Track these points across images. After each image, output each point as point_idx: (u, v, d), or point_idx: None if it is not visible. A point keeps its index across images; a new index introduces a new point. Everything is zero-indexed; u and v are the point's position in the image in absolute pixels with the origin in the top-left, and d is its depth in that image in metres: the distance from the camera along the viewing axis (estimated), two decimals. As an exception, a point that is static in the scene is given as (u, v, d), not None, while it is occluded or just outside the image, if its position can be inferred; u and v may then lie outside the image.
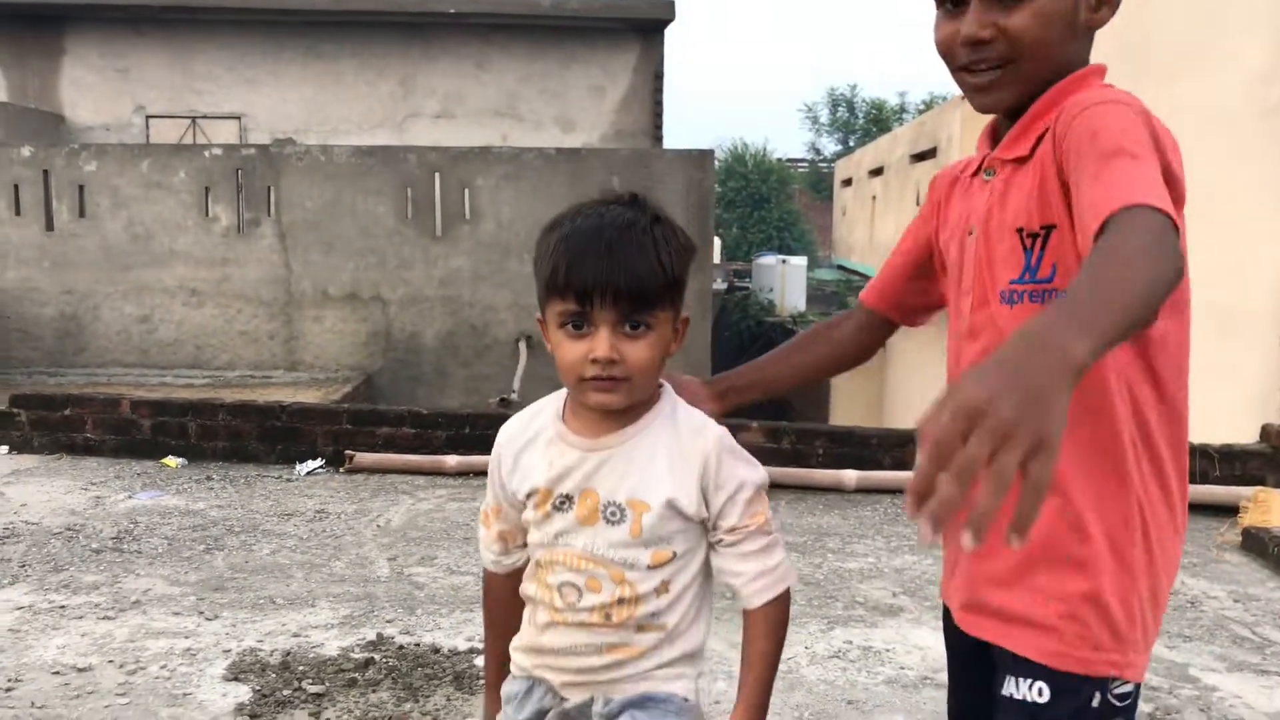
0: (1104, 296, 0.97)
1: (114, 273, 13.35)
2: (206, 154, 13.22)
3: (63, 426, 6.52)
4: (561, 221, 1.46)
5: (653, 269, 1.40)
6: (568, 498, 1.51)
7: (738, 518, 1.51)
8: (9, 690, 3.19)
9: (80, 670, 3.35)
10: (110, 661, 3.41)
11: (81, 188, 13.24)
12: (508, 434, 1.61)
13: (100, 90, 16.84)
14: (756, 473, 1.53)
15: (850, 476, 5.88)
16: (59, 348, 13.44)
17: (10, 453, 6.44)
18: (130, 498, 5.55)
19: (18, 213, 13.24)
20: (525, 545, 1.61)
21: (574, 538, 1.51)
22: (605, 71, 17.33)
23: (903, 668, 3.54)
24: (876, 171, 13.33)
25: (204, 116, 16.89)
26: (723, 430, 1.53)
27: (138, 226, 13.23)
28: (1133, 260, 1.02)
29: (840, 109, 35.72)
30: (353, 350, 12.84)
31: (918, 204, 10.74)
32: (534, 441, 1.56)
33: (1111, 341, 0.96)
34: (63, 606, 3.92)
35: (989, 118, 1.46)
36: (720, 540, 1.53)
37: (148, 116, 17.00)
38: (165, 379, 13.09)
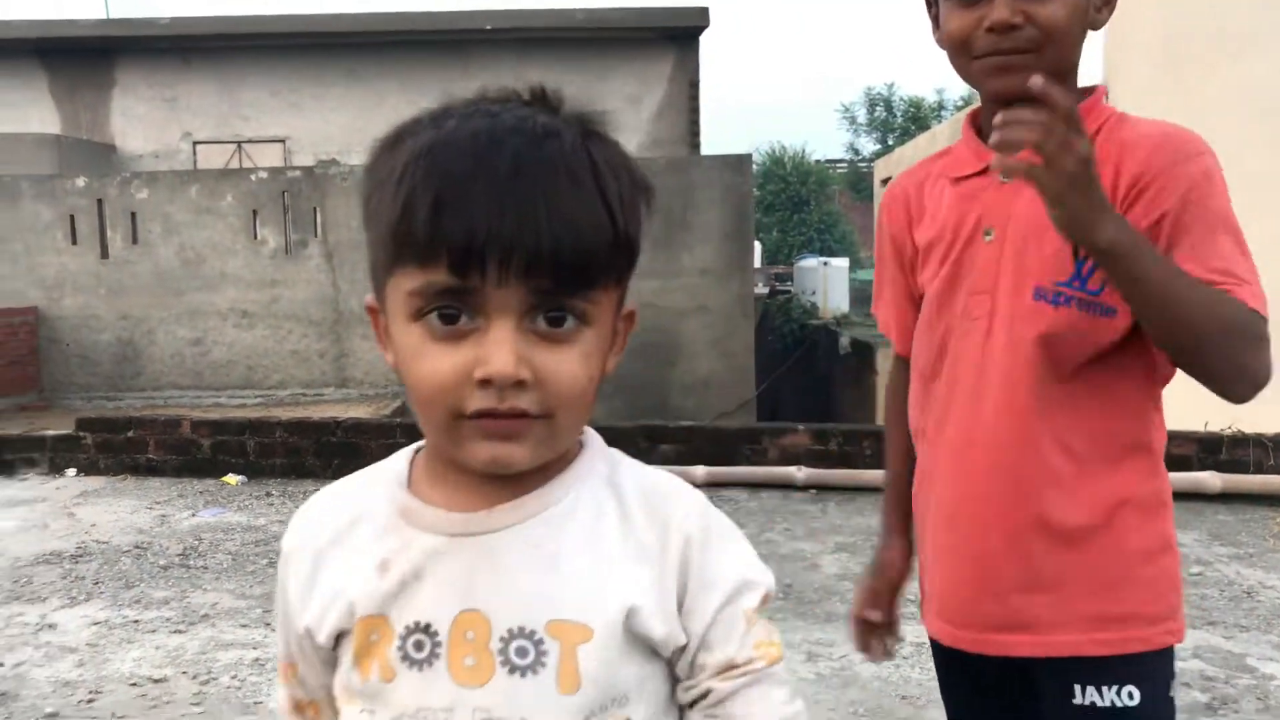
0: (1163, 264, 1.21)
1: (167, 297, 13.67)
2: (253, 177, 13.51)
3: (126, 448, 6.72)
4: (417, 128, 0.84)
5: (595, 216, 0.80)
6: (427, 631, 0.85)
7: (737, 646, 0.89)
8: (91, 701, 3.33)
9: (156, 681, 3.49)
10: (184, 673, 3.54)
11: (134, 215, 13.57)
12: (303, 525, 0.94)
13: (149, 119, 17.25)
14: (762, 569, 0.92)
15: (898, 476, 5.90)
16: (117, 372, 13.77)
17: (78, 474, 6.65)
18: (194, 515, 5.72)
19: (74, 242, 13.61)
20: None
21: (446, 714, 0.85)
22: (641, 81, 17.46)
23: (954, 663, 3.58)
24: (916, 170, 13.31)
25: (249, 141, 17.24)
26: (702, 497, 0.94)
27: (189, 251, 13.53)
28: (1206, 294, 1.20)
29: (878, 108, 35.60)
30: (400, 366, 13.03)
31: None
32: (352, 531, 0.91)
33: (1133, 275, 1.19)
34: (136, 621, 4.06)
35: None
36: (704, 694, 0.89)
37: (195, 143, 17.37)
38: (219, 400, 13.38)
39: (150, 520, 5.62)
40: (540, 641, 0.84)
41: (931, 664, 1.62)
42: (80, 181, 13.78)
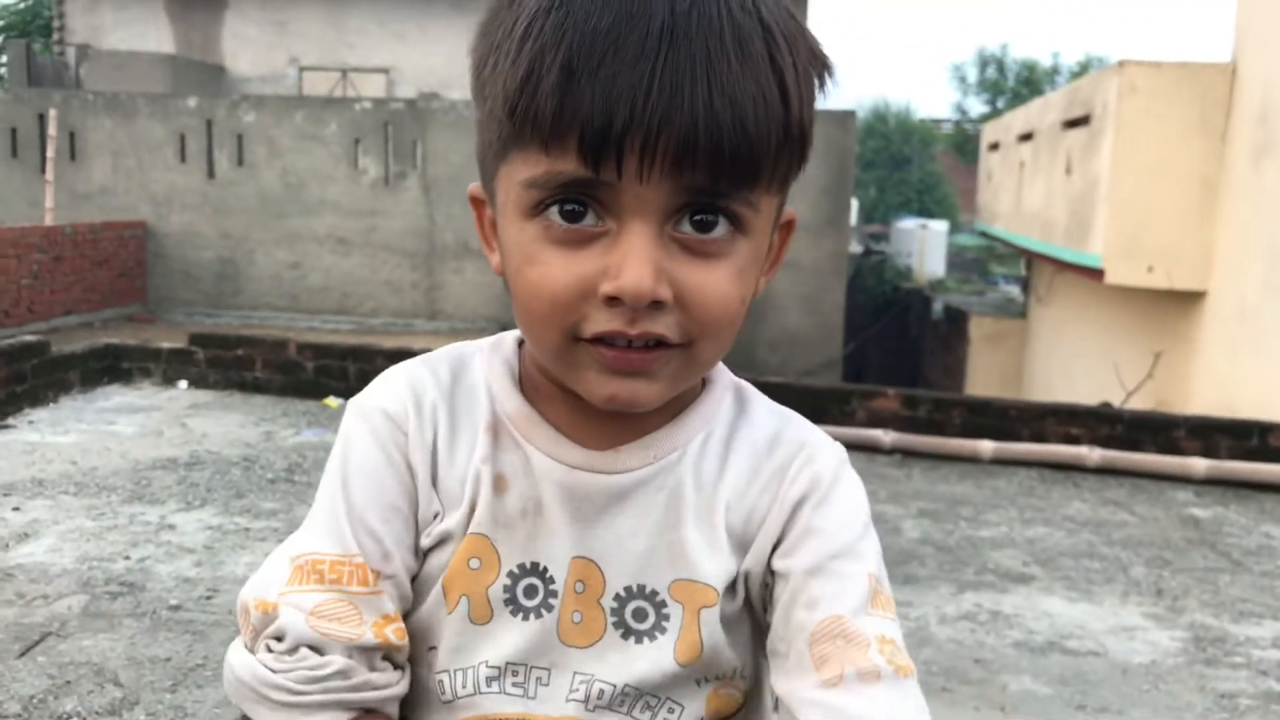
0: None
1: (268, 220, 14.06)
2: (357, 107, 13.74)
3: (235, 365, 7.01)
4: None
5: (765, 95, 0.64)
6: (543, 576, 0.74)
7: (853, 609, 0.72)
8: (209, 598, 3.57)
9: (267, 586, 3.71)
10: (292, 580, 3.76)
11: (240, 137, 13.93)
12: (407, 393, 0.77)
13: (258, 43, 17.58)
14: (871, 532, 0.78)
15: (986, 447, 5.91)
16: (217, 289, 14.24)
17: (189, 387, 6.97)
18: (297, 434, 5.97)
19: (183, 160, 14.03)
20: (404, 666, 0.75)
21: (542, 673, 0.74)
22: (747, 30, 17.25)
23: (1031, 632, 3.63)
24: (1025, 137, 13.01)
25: (354, 69, 17.48)
26: (839, 451, 0.80)
27: (291, 176, 13.86)
28: None
29: (989, 69, 34.68)
30: (489, 301, 13.25)
31: (1068, 173, 10.49)
32: (465, 418, 0.77)
33: None
34: (247, 529, 4.30)
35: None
36: (790, 652, 0.72)
37: (301, 69, 17.66)
38: (313, 324, 13.77)
39: (257, 435, 5.88)
40: (663, 604, 0.73)
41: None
42: (191, 101, 14.16)
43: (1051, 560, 4.42)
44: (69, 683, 2.97)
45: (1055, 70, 33.23)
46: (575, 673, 0.73)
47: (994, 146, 15.51)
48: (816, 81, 0.69)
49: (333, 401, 6.73)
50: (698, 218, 0.65)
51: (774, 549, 0.75)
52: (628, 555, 0.73)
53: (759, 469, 0.76)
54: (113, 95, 14.11)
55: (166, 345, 7.27)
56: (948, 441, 5.98)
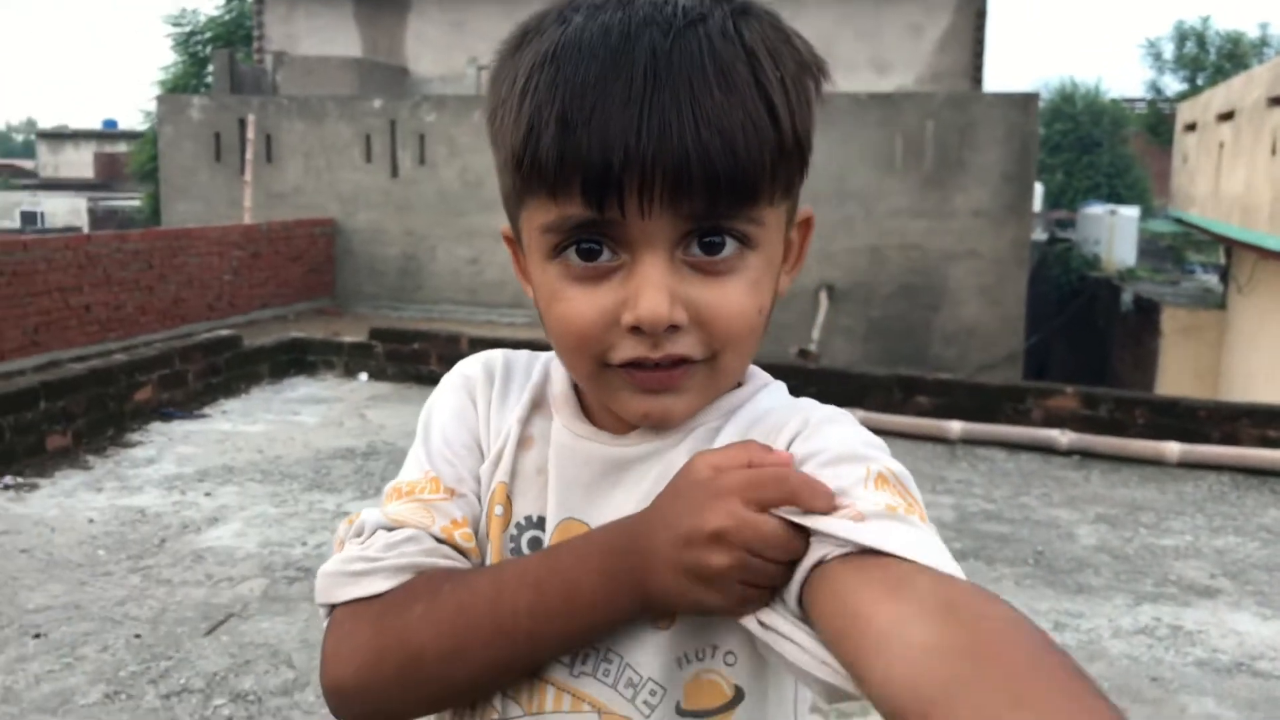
0: None
1: (448, 217, 14.56)
2: (533, 105, 14.01)
3: (411, 359, 7.30)
4: (542, 24, 0.71)
5: (753, 118, 0.66)
6: (540, 527, 0.78)
7: (843, 485, 0.66)
8: (376, 587, 3.72)
9: (431, 576, 3.85)
10: (455, 571, 3.89)
11: (422, 137, 14.47)
12: (484, 365, 0.86)
13: (438, 44, 18.19)
14: (883, 453, 0.71)
15: (1172, 449, 5.56)
16: (400, 285, 14.85)
17: (369, 379, 7.29)
18: (467, 425, 6.17)
19: (368, 160, 14.68)
20: None
21: None
22: (924, 9, 16.77)
23: (1216, 651, 3.40)
24: (1226, 116, 12.17)
25: (530, 67, 17.82)
26: (838, 416, 0.76)
27: (469, 174, 14.30)
28: None
29: (1188, 44, 32.63)
30: (660, 294, 13.33)
31: (1274, 154, 9.76)
32: (508, 395, 0.84)
33: None
34: (415, 519, 4.47)
35: None
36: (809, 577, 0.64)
37: (479, 68, 18.16)
38: (491, 317, 14.20)
39: (429, 426, 6.11)
40: None
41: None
42: (376, 103, 14.78)
43: (1242, 573, 4.12)
44: (248, 662, 3.15)
45: (1263, 43, 30.95)
46: None
47: (1190, 127, 14.58)
48: (812, 85, 0.71)
49: (502, 394, 6.92)
50: (705, 240, 0.68)
51: None
52: (611, 518, 0.73)
53: (747, 434, 0.74)
54: (304, 99, 14.89)
55: (348, 339, 7.63)
56: (1130, 443, 5.66)
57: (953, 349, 12.99)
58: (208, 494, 4.72)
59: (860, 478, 0.66)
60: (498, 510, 0.79)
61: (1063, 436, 5.73)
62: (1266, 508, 4.95)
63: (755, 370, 0.81)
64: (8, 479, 4.80)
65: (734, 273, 0.69)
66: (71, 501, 4.59)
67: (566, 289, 0.70)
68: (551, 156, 0.66)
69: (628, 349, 0.69)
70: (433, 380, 7.12)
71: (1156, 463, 5.57)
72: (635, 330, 0.68)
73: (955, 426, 5.88)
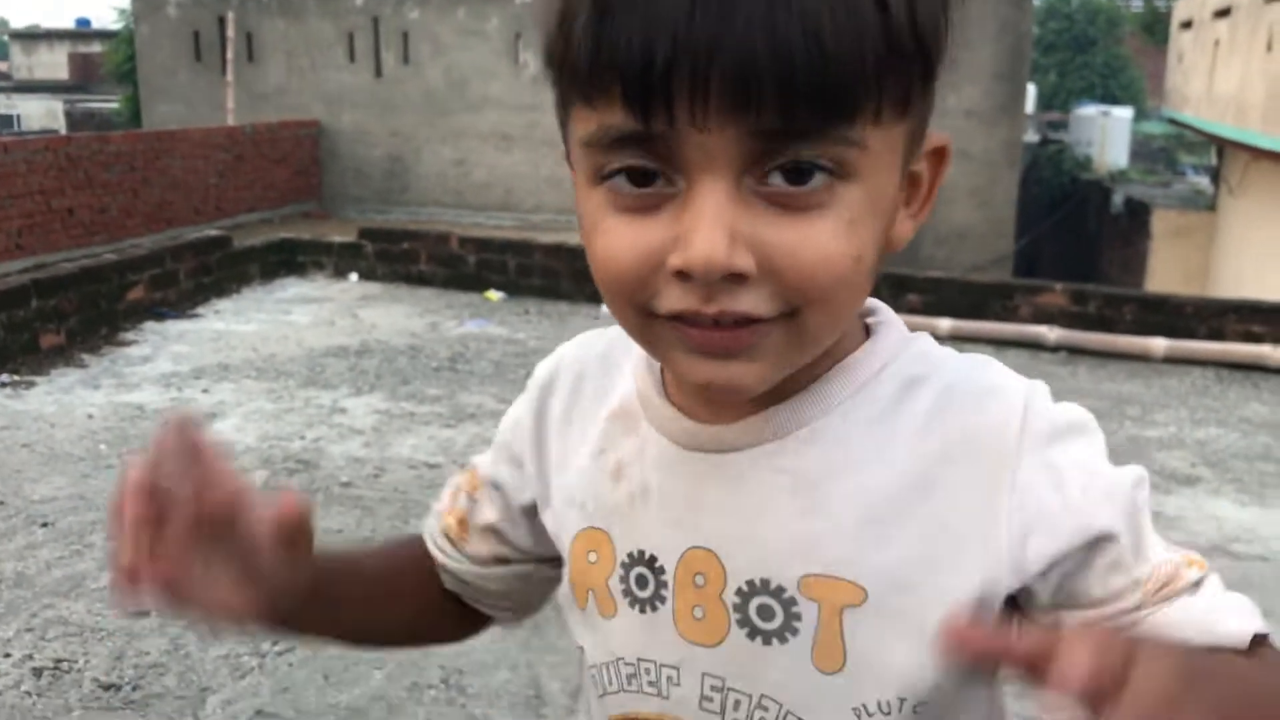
0: None
1: (433, 117, 14.36)
2: (517, 0, 13.74)
3: (401, 258, 7.28)
4: None
5: (856, 8, 0.50)
6: (651, 565, 0.67)
7: (1127, 575, 0.61)
8: (376, 476, 3.80)
9: (430, 466, 3.91)
10: (454, 461, 3.95)
11: (405, 35, 14.19)
12: (568, 360, 0.77)
13: (423, -62, 17.68)
14: (1130, 471, 0.64)
15: (1158, 345, 5.63)
16: (386, 187, 14.71)
17: (359, 279, 7.29)
18: (460, 325, 6.19)
19: (352, 59, 14.41)
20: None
21: (671, 671, 0.66)
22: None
23: (1195, 534, 3.51)
24: (1222, 12, 12.01)
25: (516, -37, 17.40)
26: (1040, 388, 0.65)
27: (454, 73, 14.07)
28: None
29: (1185, -61, 31.96)
30: (650, 196, 13.26)
31: (1269, 50, 9.66)
32: (583, 410, 0.73)
33: None
34: (412, 414, 4.52)
35: None
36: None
37: (464, -36, 17.70)
38: (478, 219, 14.10)
39: (422, 326, 6.13)
40: (791, 602, 0.61)
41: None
42: (359, 0, 14.44)
43: (1222, 462, 4.22)
44: (253, 549, 3.23)
45: (1263, -62, 30.34)
46: (704, 674, 0.64)
47: (1186, 25, 14.39)
48: None
49: (493, 295, 6.93)
50: (787, 169, 0.52)
51: None
52: (747, 546, 0.62)
53: (930, 428, 0.62)
54: (285, -4, 14.54)
55: (338, 239, 7.61)
56: (1116, 339, 5.73)
57: (943, 250, 13.01)
58: (205, 390, 4.76)
59: (1171, 564, 0.62)
60: (590, 558, 0.68)
61: (1051, 333, 5.79)
62: (1248, 400, 5.04)
63: (887, 317, 0.66)
64: (4, 376, 4.83)
65: (824, 207, 0.53)
66: (69, 398, 4.63)
67: (609, 218, 0.55)
68: (586, 48, 0.51)
69: (673, 299, 0.54)
70: (423, 280, 7.16)
71: (1143, 358, 5.64)
72: (684, 276, 0.53)
73: (944, 324, 5.92)
